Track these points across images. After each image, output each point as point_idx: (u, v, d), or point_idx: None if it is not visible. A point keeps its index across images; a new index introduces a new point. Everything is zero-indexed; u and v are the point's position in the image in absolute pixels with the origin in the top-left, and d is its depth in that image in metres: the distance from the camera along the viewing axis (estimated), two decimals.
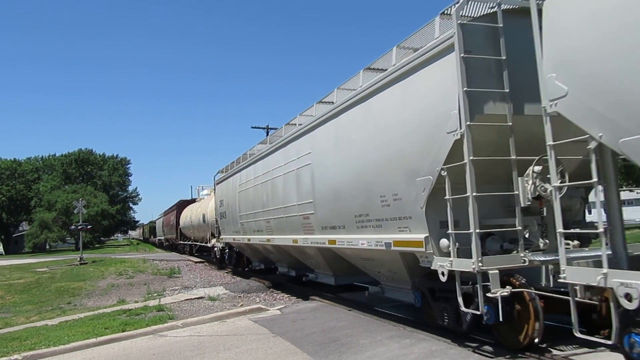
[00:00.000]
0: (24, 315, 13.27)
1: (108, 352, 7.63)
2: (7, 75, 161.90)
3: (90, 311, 12.09)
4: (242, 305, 11.25)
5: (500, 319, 5.56)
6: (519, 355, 5.79)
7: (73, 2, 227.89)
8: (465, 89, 5.61)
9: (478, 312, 5.73)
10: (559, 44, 4.68)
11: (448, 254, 6.10)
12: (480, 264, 5.53)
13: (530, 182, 5.70)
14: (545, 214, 5.92)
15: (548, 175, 5.56)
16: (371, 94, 7.71)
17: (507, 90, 5.77)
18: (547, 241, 5.91)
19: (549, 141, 4.89)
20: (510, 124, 5.79)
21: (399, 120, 6.96)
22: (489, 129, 5.76)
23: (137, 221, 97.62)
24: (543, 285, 6.08)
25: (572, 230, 5.23)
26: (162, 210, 53.37)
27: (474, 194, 5.59)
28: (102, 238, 75.92)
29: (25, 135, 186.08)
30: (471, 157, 5.59)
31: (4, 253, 67.77)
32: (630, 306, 4.11)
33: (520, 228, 5.81)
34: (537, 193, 5.66)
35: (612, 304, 4.40)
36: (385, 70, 7.50)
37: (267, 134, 29.26)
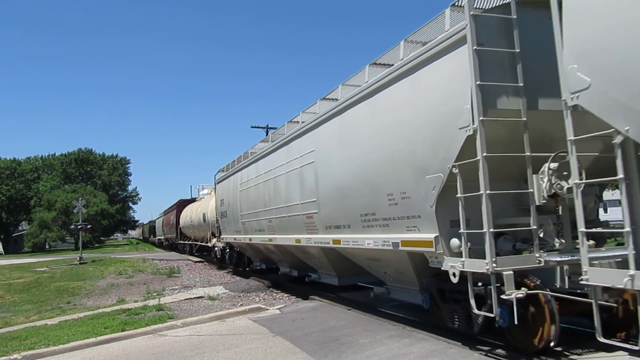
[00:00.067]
0: (23, 314, 13.17)
1: (107, 351, 7.60)
2: (7, 75, 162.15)
3: (89, 311, 12.01)
4: (241, 304, 11.16)
5: (515, 322, 5.35)
6: (534, 358, 5.60)
7: (73, 2, 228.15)
8: (478, 82, 5.39)
9: (491, 315, 5.53)
10: (580, 32, 4.45)
11: (459, 254, 5.90)
12: (494, 265, 5.32)
13: (545, 180, 5.49)
14: (561, 213, 5.72)
15: (564, 173, 5.39)
16: (378, 90, 7.49)
17: (522, 85, 5.57)
18: (562, 241, 5.71)
19: (570, 136, 4.66)
20: (525, 119, 5.58)
21: (407, 116, 6.74)
22: (502, 124, 5.54)
23: (137, 221, 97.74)
24: (558, 286, 5.87)
25: (595, 230, 5.01)
26: (162, 209, 53.36)
27: (488, 192, 5.38)
28: (101, 238, 75.84)
29: (25, 135, 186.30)
30: (484, 154, 5.38)
31: (3, 253, 67.45)
32: None
33: (535, 227, 5.58)
34: (553, 191, 5.46)
35: (639, 307, 4.19)
36: (392, 65, 7.29)
37: (267, 134, 29.16)
